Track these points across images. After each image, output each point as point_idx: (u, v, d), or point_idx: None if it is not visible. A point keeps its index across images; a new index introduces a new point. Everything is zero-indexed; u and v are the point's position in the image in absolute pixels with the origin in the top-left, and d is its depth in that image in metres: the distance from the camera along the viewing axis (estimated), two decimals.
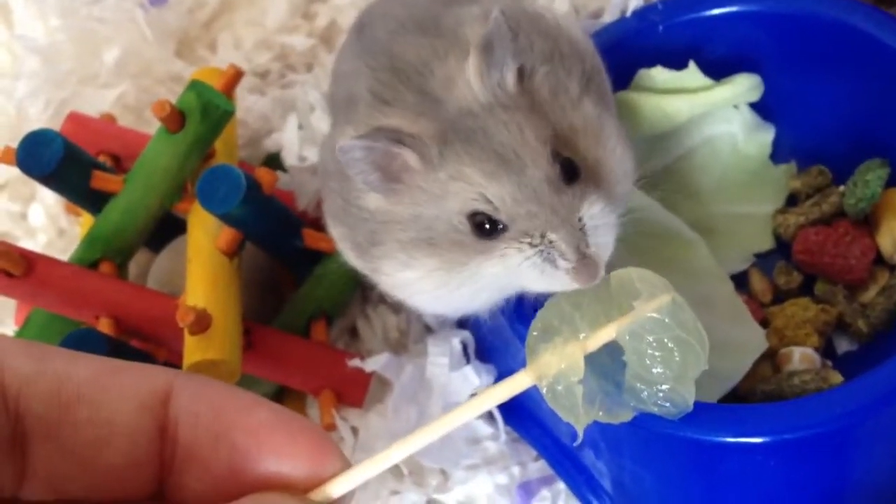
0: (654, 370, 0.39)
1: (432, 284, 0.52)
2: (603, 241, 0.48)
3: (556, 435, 0.61)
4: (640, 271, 0.39)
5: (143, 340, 0.63)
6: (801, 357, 0.60)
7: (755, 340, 0.60)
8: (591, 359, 0.37)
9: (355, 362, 0.64)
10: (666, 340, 0.38)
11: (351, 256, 0.57)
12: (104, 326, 0.60)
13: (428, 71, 0.52)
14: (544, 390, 0.37)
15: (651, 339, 0.38)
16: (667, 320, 0.38)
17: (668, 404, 0.40)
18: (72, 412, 0.29)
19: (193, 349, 0.57)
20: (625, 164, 0.53)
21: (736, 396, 0.60)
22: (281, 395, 0.68)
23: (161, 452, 0.30)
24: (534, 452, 0.63)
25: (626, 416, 0.40)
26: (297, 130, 0.75)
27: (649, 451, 0.54)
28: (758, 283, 0.65)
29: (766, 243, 0.67)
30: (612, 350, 0.38)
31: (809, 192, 0.66)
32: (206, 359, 0.56)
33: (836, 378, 0.57)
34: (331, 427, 0.63)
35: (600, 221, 0.48)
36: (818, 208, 0.65)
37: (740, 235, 0.67)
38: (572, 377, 0.37)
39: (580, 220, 0.47)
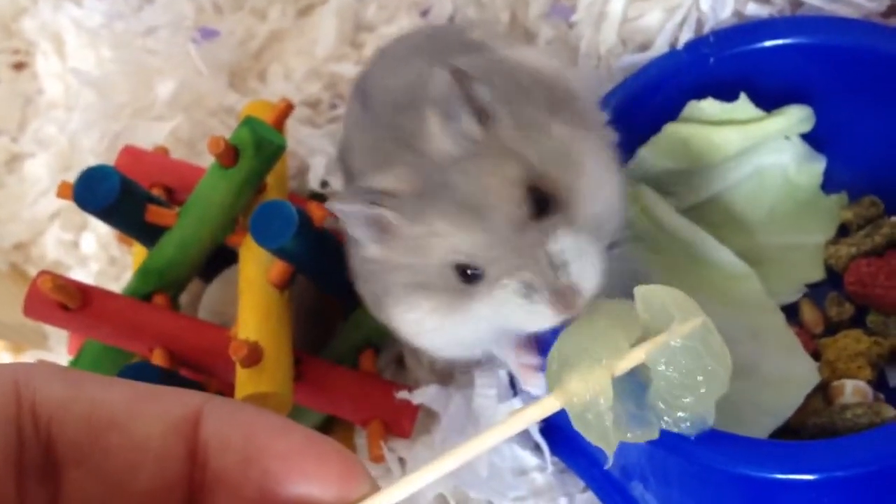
0: (680, 394, 0.39)
1: (432, 325, 0.54)
2: (577, 270, 0.49)
3: (603, 466, 0.61)
4: (669, 291, 0.39)
5: (195, 371, 0.64)
6: (854, 390, 0.59)
7: (807, 373, 0.60)
8: (615, 379, 0.37)
9: (403, 394, 0.64)
10: (694, 366, 0.38)
11: (374, 311, 0.59)
12: (158, 358, 0.61)
13: (419, 132, 0.54)
14: (573, 415, 0.37)
15: (679, 364, 0.38)
16: (698, 347, 0.38)
17: (687, 424, 0.40)
18: (103, 437, 0.29)
19: (246, 382, 0.58)
20: (601, 184, 0.53)
21: (787, 429, 0.59)
22: (329, 425, 0.69)
23: (191, 476, 0.30)
24: (581, 484, 0.63)
25: (652, 434, 0.40)
26: (324, 159, 0.77)
27: (699, 485, 0.54)
28: (809, 314, 0.64)
29: (817, 274, 0.66)
30: (634, 369, 0.38)
31: (861, 222, 0.66)
32: (259, 391, 0.57)
33: (889, 412, 0.57)
34: (379, 459, 0.63)
35: (571, 253, 0.49)
36: (870, 239, 0.64)
37: (791, 266, 0.67)
38: (602, 403, 0.37)
39: (548, 254, 0.48)
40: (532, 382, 0.59)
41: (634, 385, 0.39)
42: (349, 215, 0.53)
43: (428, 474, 0.33)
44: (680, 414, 0.39)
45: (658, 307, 0.38)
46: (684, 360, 0.38)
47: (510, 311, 0.50)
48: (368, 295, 0.59)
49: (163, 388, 0.31)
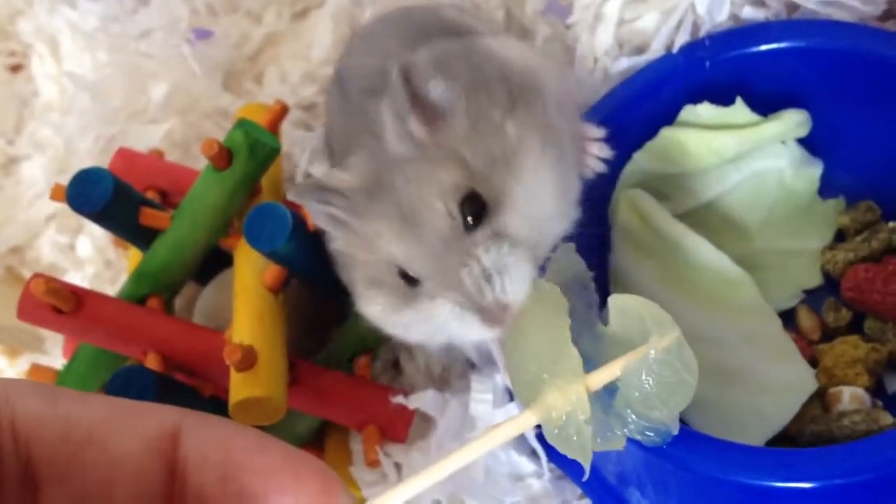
0: (654, 405, 0.39)
1: (389, 320, 0.55)
2: (505, 284, 0.48)
3: (600, 473, 0.61)
4: (645, 303, 0.38)
5: (189, 375, 0.63)
6: (851, 397, 0.59)
7: (805, 380, 0.60)
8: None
9: (399, 399, 0.64)
10: (671, 379, 0.38)
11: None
12: (151, 362, 0.61)
13: (380, 122, 0.54)
14: (554, 431, 0.37)
15: (657, 377, 0.38)
16: (675, 362, 0.38)
17: (652, 434, 0.40)
18: (81, 454, 0.29)
19: (240, 386, 0.57)
20: (538, 191, 0.52)
21: (785, 437, 0.59)
22: (324, 430, 0.69)
23: (170, 492, 0.30)
24: (578, 490, 0.63)
25: (619, 444, 0.40)
26: (307, 153, 0.77)
27: (696, 493, 0.54)
28: (806, 320, 0.64)
29: (814, 280, 0.66)
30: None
31: (858, 227, 0.66)
32: (253, 396, 0.57)
33: (887, 419, 0.56)
34: (375, 464, 0.63)
35: (499, 267, 0.49)
36: (867, 245, 0.64)
37: (788, 272, 0.67)
38: (581, 416, 0.37)
39: (481, 266, 0.48)
40: None
41: (601, 390, 0.39)
42: (308, 208, 0.54)
43: (402, 492, 0.33)
44: (648, 424, 0.39)
45: (633, 319, 0.38)
46: (662, 373, 0.38)
47: (446, 324, 0.51)
48: (348, 285, 0.59)
49: (141, 404, 0.30)
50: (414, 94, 0.50)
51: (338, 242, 0.56)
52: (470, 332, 0.51)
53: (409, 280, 0.51)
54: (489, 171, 0.50)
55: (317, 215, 0.54)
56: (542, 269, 0.49)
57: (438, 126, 0.51)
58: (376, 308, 0.55)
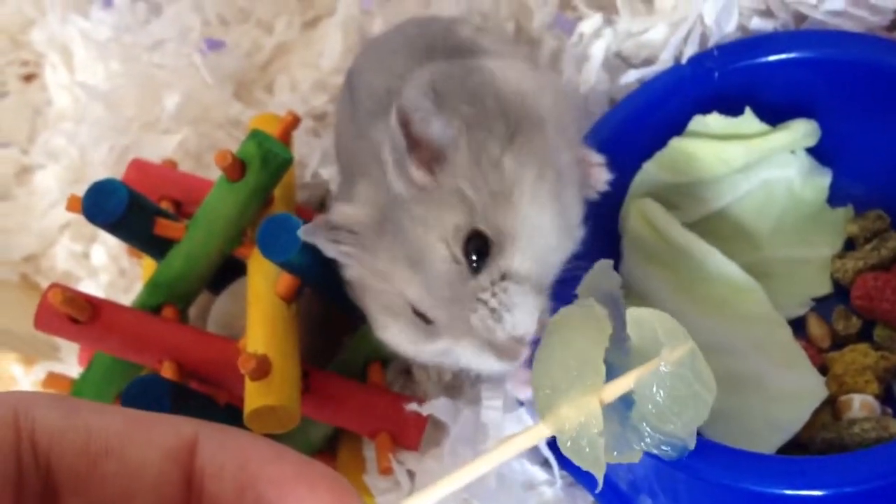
0: (668, 419, 0.39)
1: (404, 346, 0.56)
2: (514, 321, 0.50)
3: (612, 480, 0.61)
4: (659, 315, 0.39)
5: (204, 384, 0.64)
6: (861, 405, 0.59)
7: (815, 388, 0.60)
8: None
9: (412, 406, 0.64)
10: (683, 392, 0.38)
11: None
12: (167, 371, 0.61)
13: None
14: (567, 444, 0.37)
15: (669, 389, 0.38)
16: (688, 373, 0.38)
17: (668, 448, 0.40)
18: (100, 465, 0.29)
19: (254, 395, 0.58)
20: (539, 226, 0.52)
21: (796, 444, 0.59)
22: (337, 438, 0.69)
23: (188, 502, 0.30)
24: (590, 498, 0.63)
25: (635, 457, 0.40)
26: (319, 153, 0.79)
27: (708, 501, 0.54)
28: (816, 328, 0.65)
29: (823, 288, 0.67)
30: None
31: (867, 236, 0.66)
32: (267, 405, 0.57)
33: None
34: (388, 471, 0.63)
35: (506, 306, 0.50)
36: (876, 253, 0.64)
37: (797, 280, 0.67)
38: (593, 429, 0.37)
39: (489, 308, 0.50)
40: (524, 394, 0.60)
41: (619, 403, 0.39)
42: (319, 246, 0.55)
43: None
44: (663, 438, 0.39)
45: (648, 331, 0.39)
46: (674, 385, 0.38)
47: (459, 357, 0.53)
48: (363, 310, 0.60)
49: (158, 416, 0.31)
50: (412, 139, 0.51)
51: (351, 271, 0.57)
52: (489, 368, 0.53)
53: (424, 318, 0.52)
54: (490, 206, 0.51)
55: (328, 251, 0.55)
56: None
57: (439, 167, 0.52)
58: (391, 335, 0.56)
